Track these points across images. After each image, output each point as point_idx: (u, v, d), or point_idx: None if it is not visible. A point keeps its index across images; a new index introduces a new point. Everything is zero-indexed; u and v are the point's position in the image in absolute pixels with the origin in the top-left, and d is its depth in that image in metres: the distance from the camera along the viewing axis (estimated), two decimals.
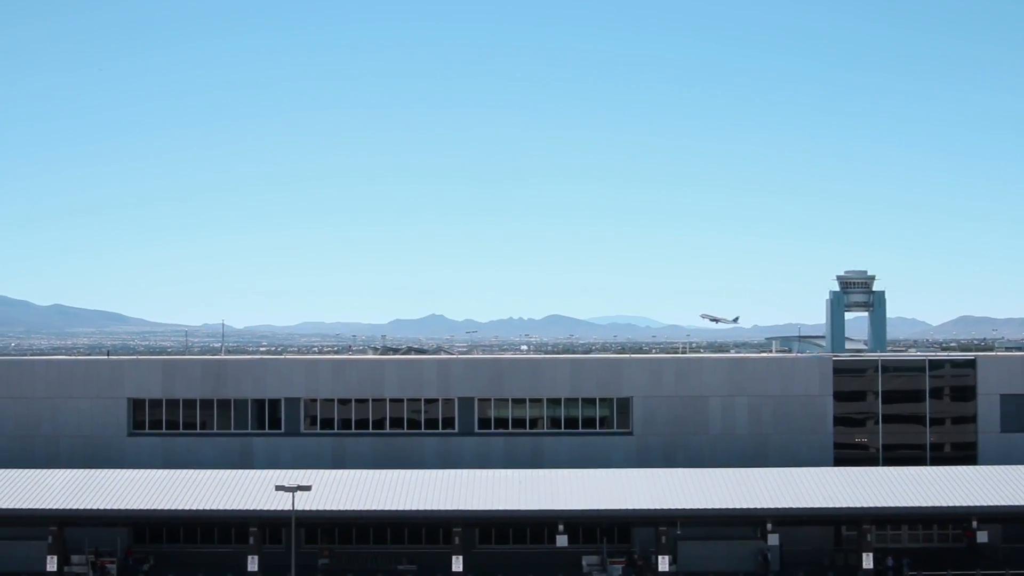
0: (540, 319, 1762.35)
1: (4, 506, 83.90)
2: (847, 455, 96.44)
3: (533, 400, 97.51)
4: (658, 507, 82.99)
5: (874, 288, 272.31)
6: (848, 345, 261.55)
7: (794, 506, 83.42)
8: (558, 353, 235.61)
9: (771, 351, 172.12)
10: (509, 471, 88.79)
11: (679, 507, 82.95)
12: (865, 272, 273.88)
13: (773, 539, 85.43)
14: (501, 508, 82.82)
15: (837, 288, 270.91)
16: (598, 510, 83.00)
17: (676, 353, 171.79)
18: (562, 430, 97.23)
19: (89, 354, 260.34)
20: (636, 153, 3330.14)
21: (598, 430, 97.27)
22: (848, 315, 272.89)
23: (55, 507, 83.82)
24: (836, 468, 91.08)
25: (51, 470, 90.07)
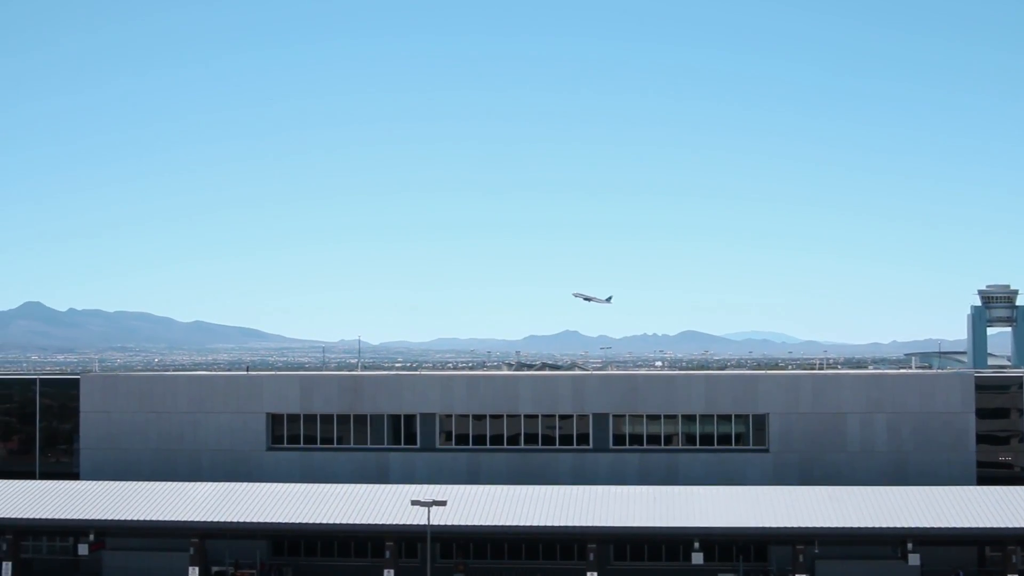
0: (675, 335, 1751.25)
1: (148, 518, 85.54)
2: (990, 474, 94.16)
3: (668, 416, 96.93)
4: (795, 525, 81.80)
5: (1017, 303, 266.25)
6: (991, 361, 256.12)
7: (936, 526, 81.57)
8: (693, 369, 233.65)
9: (911, 367, 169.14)
10: (644, 487, 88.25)
11: (817, 525, 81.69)
12: (1008, 287, 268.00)
13: (914, 559, 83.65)
14: (636, 525, 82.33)
15: (979, 303, 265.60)
16: (734, 527, 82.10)
17: (813, 369, 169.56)
18: (697, 447, 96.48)
19: (229, 370, 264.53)
20: (773, 172, 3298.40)
21: (734, 447, 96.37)
22: (990, 330, 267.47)
23: (197, 519, 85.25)
24: (979, 487, 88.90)
25: (193, 483, 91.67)
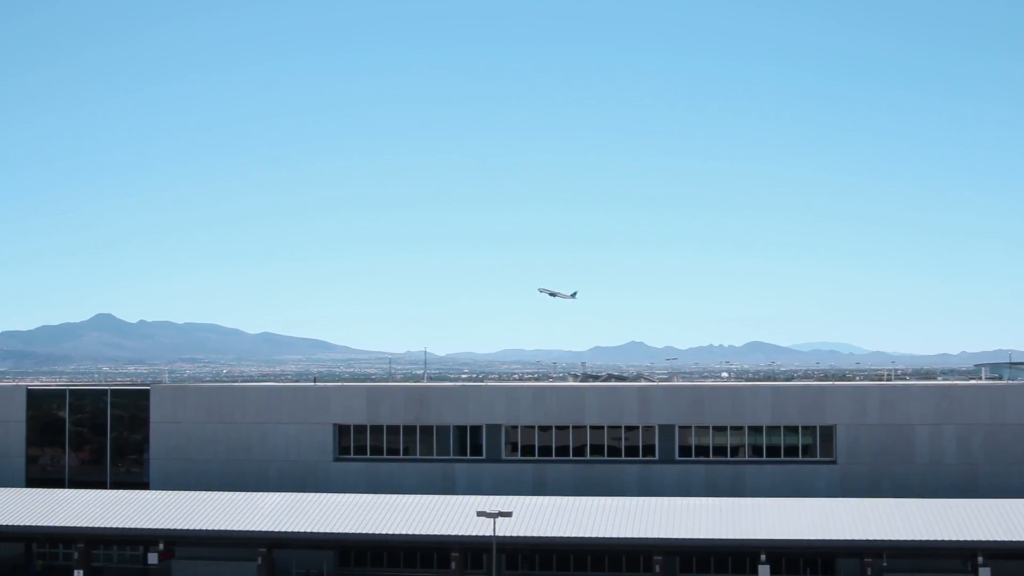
0: (741, 346, 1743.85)
1: (216, 527, 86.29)
2: None
3: (734, 428, 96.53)
4: (863, 538, 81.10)
5: None
6: None
7: (1007, 539, 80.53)
8: (759, 380, 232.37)
9: (980, 378, 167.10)
10: (710, 499, 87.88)
11: (885, 538, 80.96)
12: None
13: (984, 573, 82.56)
14: (702, 537, 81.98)
15: None
16: (801, 540, 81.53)
17: (881, 380, 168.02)
18: (764, 458, 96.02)
19: (296, 381, 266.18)
20: (841, 185, 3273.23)
21: (801, 458, 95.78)
22: None
23: (265, 529, 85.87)
24: None
25: (261, 493, 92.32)
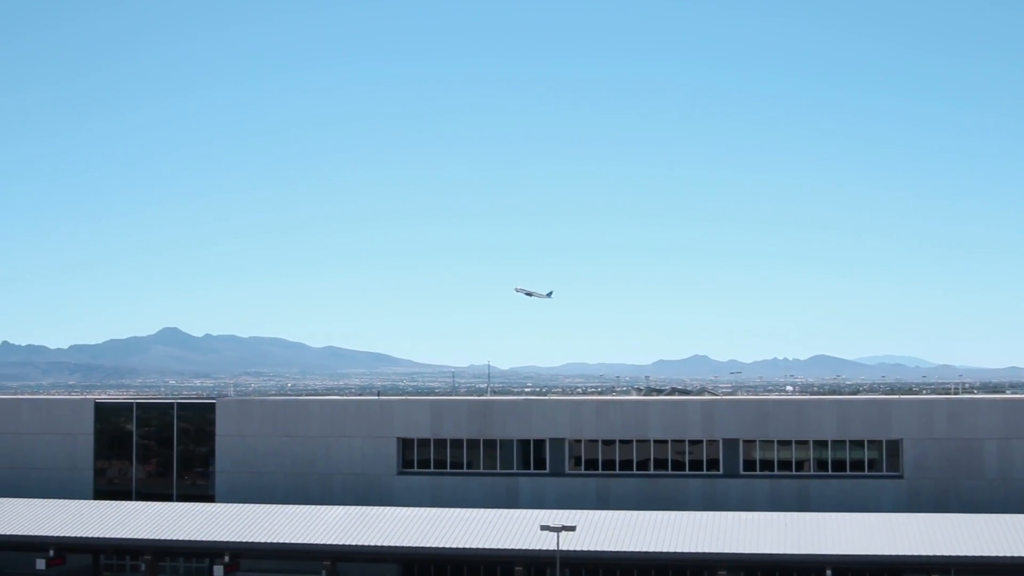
0: (805, 359, 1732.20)
1: (281, 540, 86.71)
2: None
3: (799, 442, 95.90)
4: (931, 553, 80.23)
5: None
6: None
7: None
8: (824, 394, 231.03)
9: None
10: (775, 514, 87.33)
11: (953, 554, 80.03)
12: None
13: None
14: (767, 551, 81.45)
15: None
16: (868, 555, 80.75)
17: (948, 394, 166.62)
18: (829, 472, 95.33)
19: (360, 394, 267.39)
20: (905, 198, 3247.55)
21: (866, 473, 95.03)
22: None
23: (329, 543, 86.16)
24: None
25: (325, 506, 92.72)
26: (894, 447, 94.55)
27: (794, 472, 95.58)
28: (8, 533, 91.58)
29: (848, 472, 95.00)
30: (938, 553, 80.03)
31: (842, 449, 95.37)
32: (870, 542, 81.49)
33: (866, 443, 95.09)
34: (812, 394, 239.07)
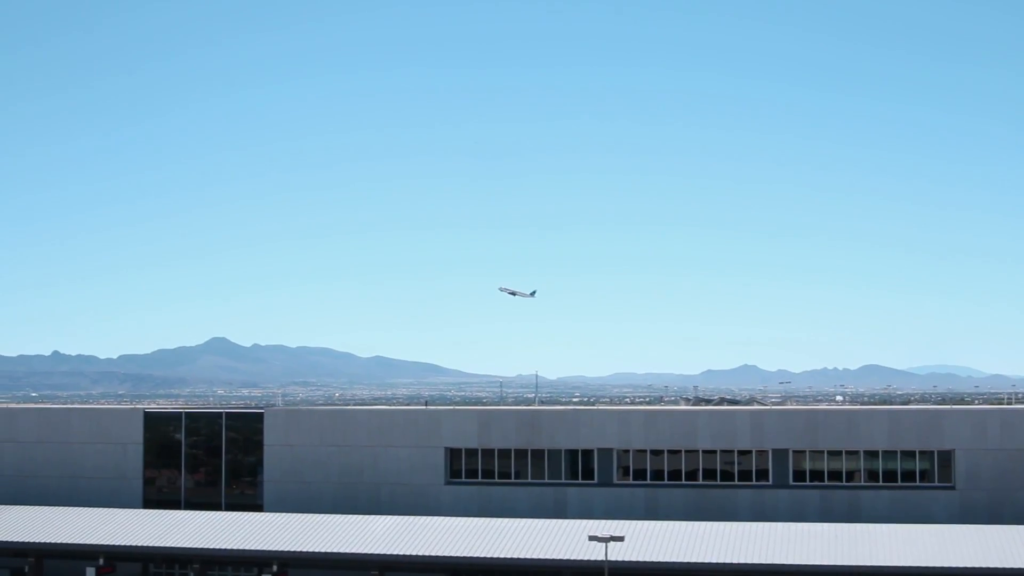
0: (855, 369, 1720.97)
1: (329, 550, 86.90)
2: None
3: (849, 452, 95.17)
4: (983, 566, 79.24)
5: None
6: None
7: None
8: (875, 404, 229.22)
9: None
10: (825, 525, 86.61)
11: (1006, 566, 78.96)
12: None
13: None
14: (817, 563, 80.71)
15: None
16: (919, 567, 79.91)
17: (1001, 404, 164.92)
18: (880, 483, 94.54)
19: (408, 404, 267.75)
20: (951, 206, 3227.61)
21: (918, 484, 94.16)
22: None
23: (377, 552, 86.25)
24: None
25: (373, 516, 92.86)
26: (946, 458, 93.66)
27: (844, 483, 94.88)
28: (59, 541, 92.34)
29: (899, 483, 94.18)
30: (991, 565, 79.10)
31: (893, 460, 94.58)
32: (922, 554, 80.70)
33: (917, 454, 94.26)
34: (862, 404, 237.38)
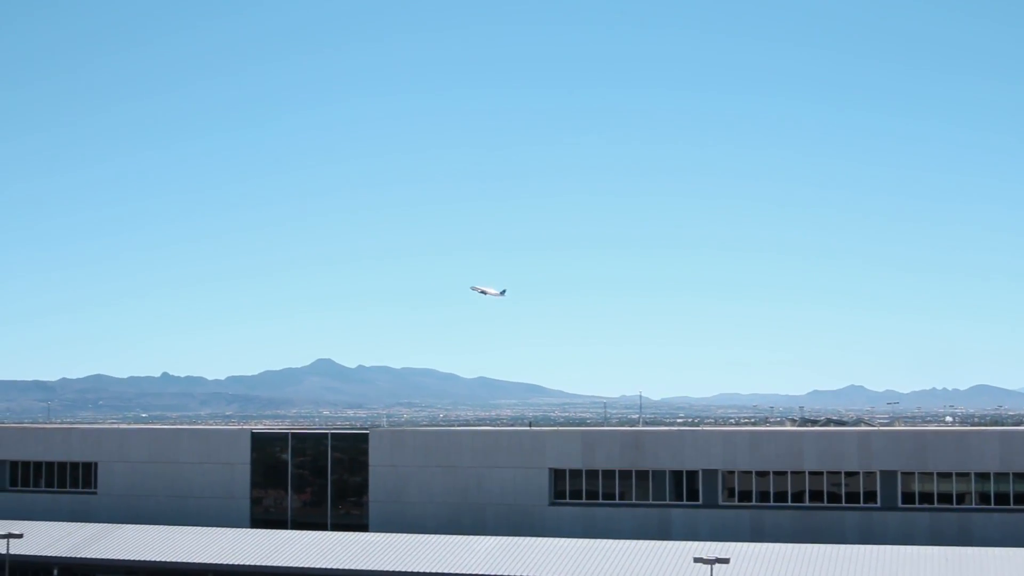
0: (965, 389, 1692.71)
1: (434, 570, 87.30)
2: None
3: (960, 474, 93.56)
4: None
5: None
6: None
7: None
8: (986, 425, 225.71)
9: None
10: (935, 548, 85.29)
11: None
12: None
13: None
14: None
15: None
16: None
17: None
18: (992, 506, 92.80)
19: (512, 425, 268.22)
20: None
21: None
22: None
23: (481, 572, 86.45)
24: None
25: (476, 536, 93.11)
26: None
27: (955, 505, 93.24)
28: (169, 560, 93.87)
29: (1012, 506, 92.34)
30: None
31: (1005, 482, 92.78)
32: None
33: None
34: (973, 425, 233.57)
